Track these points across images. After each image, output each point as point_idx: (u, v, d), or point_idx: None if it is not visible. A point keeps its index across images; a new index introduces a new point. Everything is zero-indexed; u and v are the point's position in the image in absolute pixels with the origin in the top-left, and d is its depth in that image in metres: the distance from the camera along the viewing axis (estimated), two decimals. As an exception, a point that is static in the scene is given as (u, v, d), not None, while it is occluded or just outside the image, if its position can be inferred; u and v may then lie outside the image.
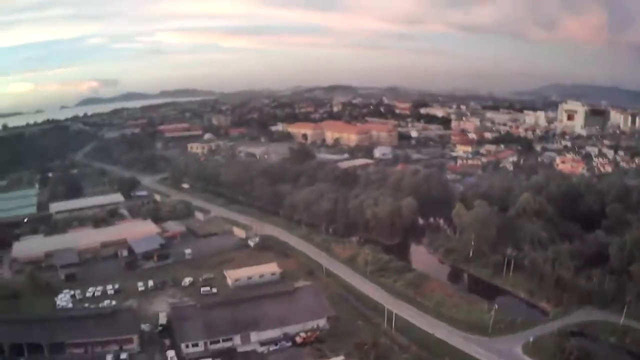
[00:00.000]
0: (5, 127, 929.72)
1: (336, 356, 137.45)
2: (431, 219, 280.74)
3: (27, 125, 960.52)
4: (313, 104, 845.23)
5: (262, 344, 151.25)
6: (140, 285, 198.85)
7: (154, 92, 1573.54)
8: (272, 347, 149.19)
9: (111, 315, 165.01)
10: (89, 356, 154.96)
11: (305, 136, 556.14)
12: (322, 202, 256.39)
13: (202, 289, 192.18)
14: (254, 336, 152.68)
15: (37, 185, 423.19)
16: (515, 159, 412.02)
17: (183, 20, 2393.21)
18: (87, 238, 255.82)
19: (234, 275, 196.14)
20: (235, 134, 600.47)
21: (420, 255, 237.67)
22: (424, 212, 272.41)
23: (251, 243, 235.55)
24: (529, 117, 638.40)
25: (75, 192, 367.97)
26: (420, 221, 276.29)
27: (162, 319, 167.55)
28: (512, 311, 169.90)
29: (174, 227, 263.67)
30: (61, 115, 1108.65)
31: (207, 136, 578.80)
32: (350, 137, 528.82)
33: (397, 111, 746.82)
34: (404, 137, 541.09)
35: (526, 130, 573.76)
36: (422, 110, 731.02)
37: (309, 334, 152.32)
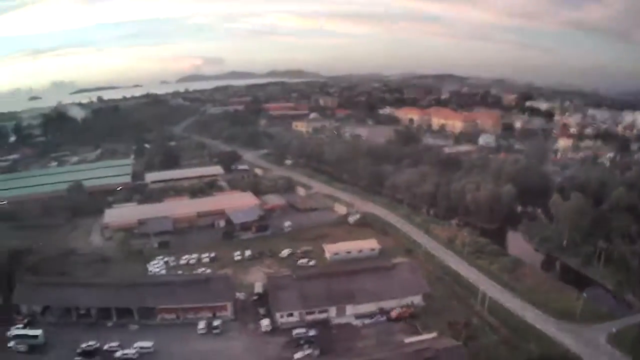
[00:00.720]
0: (100, 99, 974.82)
1: (429, 333, 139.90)
2: (529, 207, 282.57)
3: (124, 98, 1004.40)
4: (422, 91, 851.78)
5: (357, 317, 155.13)
6: (237, 255, 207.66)
7: (262, 72, 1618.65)
8: (367, 321, 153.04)
9: (205, 282, 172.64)
10: (180, 322, 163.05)
11: (411, 120, 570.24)
12: (424, 184, 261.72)
13: (300, 261, 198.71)
14: (350, 309, 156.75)
15: (132, 156, 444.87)
16: (612, 155, 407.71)
17: (294, 3, 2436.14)
18: (183, 207, 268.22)
19: (333, 249, 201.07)
20: (341, 115, 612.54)
21: (516, 242, 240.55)
22: (522, 200, 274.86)
23: (351, 219, 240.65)
24: (628, 117, 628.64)
25: (172, 163, 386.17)
26: (518, 209, 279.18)
27: (258, 288, 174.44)
28: (599, 301, 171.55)
29: (275, 200, 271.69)
30: (161, 91, 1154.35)
31: (312, 115, 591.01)
32: (456, 124, 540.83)
33: (504, 102, 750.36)
34: (507, 128, 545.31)
35: (624, 128, 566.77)
36: (527, 103, 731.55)
37: (403, 309, 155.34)
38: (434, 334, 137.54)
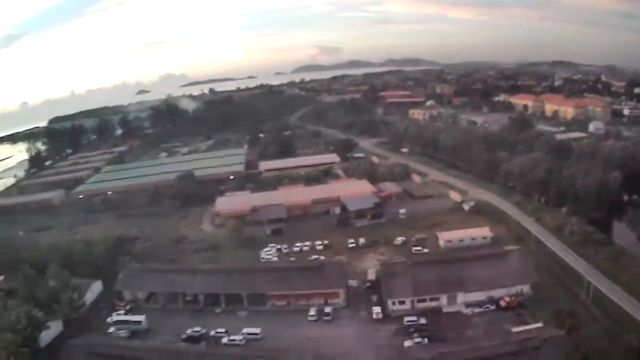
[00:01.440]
0: (212, 91, 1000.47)
1: (536, 322, 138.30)
2: (635, 196, 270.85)
3: (238, 89, 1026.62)
4: (536, 78, 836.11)
5: (467, 305, 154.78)
6: (351, 242, 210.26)
7: (378, 61, 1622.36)
8: (477, 309, 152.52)
9: (318, 268, 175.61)
10: (291, 308, 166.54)
11: (525, 107, 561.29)
12: (536, 171, 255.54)
13: (414, 248, 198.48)
14: (460, 297, 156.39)
15: (245, 146, 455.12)
16: None
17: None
18: (297, 195, 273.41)
19: (446, 237, 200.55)
20: (457, 103, 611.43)
21: (621, 231, 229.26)
22: (629, 188, 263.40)
23: (466, 207, 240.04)
24: None
25: (287, 152, 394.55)
26: (625, 197, 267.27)
27: (371, 275, 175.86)
28: None
29: (390, 187, 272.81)
30: (276, 81, 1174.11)
31: (429, 103, 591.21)
32: (568, 110, 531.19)
33: (613, 89, 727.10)
34: (617, 114, 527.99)
35: None
36: (636, 90, 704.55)
37: (512, 298, 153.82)
38: (539, 324, 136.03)
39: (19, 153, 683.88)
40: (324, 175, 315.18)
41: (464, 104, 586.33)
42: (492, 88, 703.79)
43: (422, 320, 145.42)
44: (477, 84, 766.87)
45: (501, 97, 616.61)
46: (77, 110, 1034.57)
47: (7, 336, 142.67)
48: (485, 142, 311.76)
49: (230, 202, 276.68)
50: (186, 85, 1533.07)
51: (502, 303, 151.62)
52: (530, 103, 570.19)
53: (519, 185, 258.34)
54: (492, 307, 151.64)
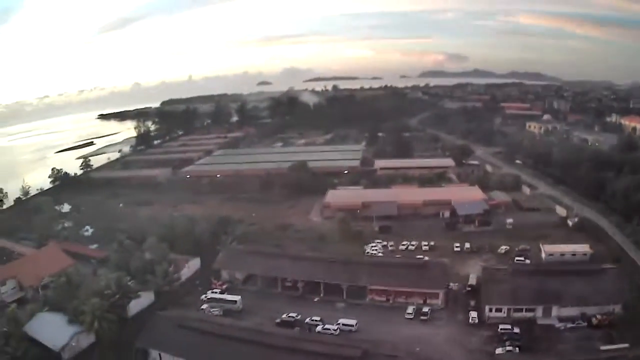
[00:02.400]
0: (335, 87, 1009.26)
1: (622, 343, 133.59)
2: None
3: (361, 89, 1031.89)
4: None
5: (560, 319, 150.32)
6: (456, 246, 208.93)
7: (502, 72, 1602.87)
8: (569, 325, 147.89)
9: (421, 267, 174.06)
10: (389, 305, 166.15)
11: (634, 129, 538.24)
12: (637, 193, 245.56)
13: (516, 258, 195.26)
14: (555, 310, 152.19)
15: (363, 143, 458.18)
16: None
17: (544, 3, 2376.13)
18: (409, 195, 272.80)
19: (549, 250, 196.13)
20: (571, 120, 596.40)
21: None
22: None
23: (570, 222, 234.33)
24: None
25: (404, 153, 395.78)
26: None
27: (472, 280, 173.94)
28: None
29: (500, 196, 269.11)
30: (400, 84, 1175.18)
31: (545, 117, 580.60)
32: None
33: None
34: None
35: None
36: None
37: (604, 317, 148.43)
38: (626, 344, 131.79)
39: (126, 130, 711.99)
40: (437, 178, 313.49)
41: (578, 121, 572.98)
42: (605, 108, 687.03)
43: (516, 330, 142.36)
44: (592, 103, 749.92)
45: (613, 118, 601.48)
46: (194, 95, 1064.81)
47: (93, 300, 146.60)
48: (594, 160, 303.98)
49: (342, 196, 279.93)
50: (309, 80, 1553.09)
51: (594, 320, 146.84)
52: (638, 125, 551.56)
53: (621, 207, 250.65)
54: (584, 324, 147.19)
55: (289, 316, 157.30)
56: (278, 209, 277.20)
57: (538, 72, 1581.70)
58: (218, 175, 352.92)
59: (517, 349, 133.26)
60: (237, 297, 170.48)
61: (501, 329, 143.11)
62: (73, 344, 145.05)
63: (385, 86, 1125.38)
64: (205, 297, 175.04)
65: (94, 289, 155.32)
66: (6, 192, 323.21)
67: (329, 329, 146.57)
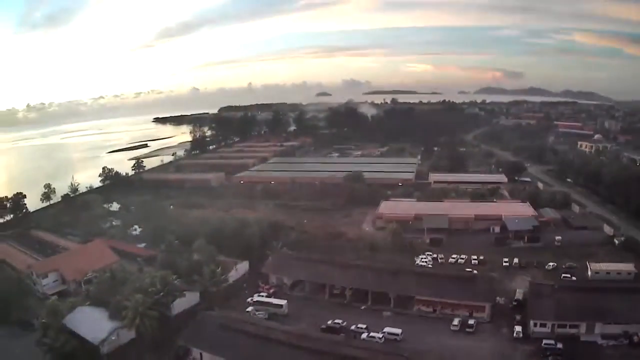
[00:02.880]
0: (394, 100, 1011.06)
1: None
2: None
3: (420, 102, 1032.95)
4: None
5: (603, 337, 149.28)
6: (505, 261, 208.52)
7: (556, 90, 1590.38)
8: (611, 342, 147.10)
9: (469, 280, 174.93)
10: (435, 316, 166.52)
11: None
12: None
13: (563, 275, 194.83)
14: (598, 327, 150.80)
15: (418, 156, 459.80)
16: None
17: (600, 22, 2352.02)
18: (461, 209, 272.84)
19: (595, 268, 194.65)
20: (622, 140, 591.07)
21: None
22: None
23: (616, 241, 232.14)
24: None
25: (458, 167, 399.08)
26: None
27: (519, 295, 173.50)
28: None
29: (550, 214, 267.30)
30: (458, 100, 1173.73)
31: (597, 137, 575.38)
32: None
33: None
34: None
35: None
36: None
37: None
38: None
39: (181, 135, 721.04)
40: (490, 194, 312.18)
41: (628, 142, 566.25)
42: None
43: (559, 345, 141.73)
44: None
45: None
46: (252, 103, 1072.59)
47: (137, 296, 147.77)
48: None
49: (395, 207, 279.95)
50: (369, 93, 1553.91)
51: (636, 338, 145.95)
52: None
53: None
54: (626, 342, 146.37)
55: (335, 322, 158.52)
56: (331, 217, 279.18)
57: (591, 91, 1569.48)
58: (272, 182, 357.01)
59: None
60: (283, 302, 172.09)
61: (545, 344, 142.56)
62: (113, 338, 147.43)
63: (444, 101, 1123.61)
64: (251, 300, 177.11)
65: (138, 286, 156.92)
66: (54, 188, 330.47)
67: (374, 337, 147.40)
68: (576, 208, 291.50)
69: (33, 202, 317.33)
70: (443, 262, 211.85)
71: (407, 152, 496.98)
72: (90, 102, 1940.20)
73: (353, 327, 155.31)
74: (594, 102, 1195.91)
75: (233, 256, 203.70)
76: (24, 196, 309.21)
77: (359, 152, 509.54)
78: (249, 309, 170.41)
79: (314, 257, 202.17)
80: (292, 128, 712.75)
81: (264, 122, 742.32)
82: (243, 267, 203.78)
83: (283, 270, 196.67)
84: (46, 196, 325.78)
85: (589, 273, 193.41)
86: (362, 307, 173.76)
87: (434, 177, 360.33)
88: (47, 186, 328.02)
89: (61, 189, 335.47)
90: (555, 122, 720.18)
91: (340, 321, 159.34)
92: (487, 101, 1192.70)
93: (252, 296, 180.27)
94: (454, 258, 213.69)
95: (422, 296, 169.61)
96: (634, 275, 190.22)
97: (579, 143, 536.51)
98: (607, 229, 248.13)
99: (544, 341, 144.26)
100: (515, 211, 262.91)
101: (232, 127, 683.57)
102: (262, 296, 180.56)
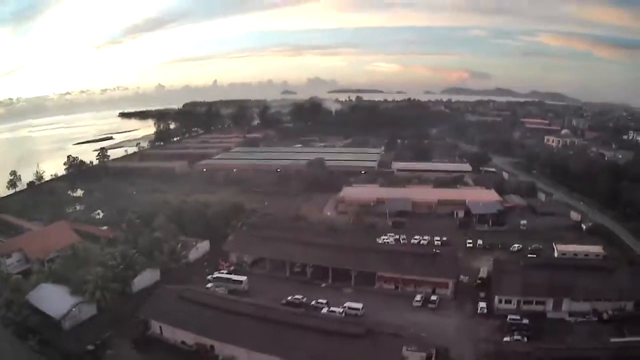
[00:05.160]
0: (359, 98, 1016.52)
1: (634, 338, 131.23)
2: None
3: (385, 101, 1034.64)
4: None
5: (571, 314, 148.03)
6: (469, 242, 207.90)
7: (523, 92, 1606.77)
8: (580, 319, 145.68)
9: (432, 257, 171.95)
10: (398, 293, 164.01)
11: None
12: None
13: (529, 255, 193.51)
14: (566, 305, 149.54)
15: (382, 147, 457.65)
16: None
17: (563, 23, 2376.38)
18: (424, 194, 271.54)
19: (562, 249, 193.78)
20: (589, 136, 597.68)
21: None
22: None
23: (584, 226, 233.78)
24: None
25: (422, 158, 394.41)
26: None
27: (483, 273, 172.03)
28: None
29: (515, 200, 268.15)
30: (423, 99, 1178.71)
31: (564, 132, 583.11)
32: None
33: None
34: None
35: None
36: None
37: (615, 312, 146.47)
38: (638, 338, 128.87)
39: (147, 128, 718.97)
40: (454, 182, 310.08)
41: (596, 138, 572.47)
42: (622, 127, 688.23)
43: (525, 321, 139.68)
44: (610, 122, 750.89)
45: (630, 136, 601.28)
46: (217, 99, 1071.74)
47: (97, 269, 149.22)
48: (610, 171, 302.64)
49: (357, 192, 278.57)
50: (334, 91, 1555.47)
51: (605, 316, 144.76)
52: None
53: (636, 214, 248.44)
54: (595, 319, 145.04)
55: (295, 298, 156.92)
56: (292, 202, 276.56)
57: (558, 92, 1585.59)
58: (234, 170, 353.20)
59: (525, 338, 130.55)
60: (243, 278, 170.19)
61: (510, 319, 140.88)
62: (74, 313, 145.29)
63: (409, 99, 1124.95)
64: (212, 277, 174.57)
65: (99, 260, 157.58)
66: (19, 175, 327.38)
67: (335, 312, 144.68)
68: (542, 196, 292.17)
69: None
70: (405, 243, 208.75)
71: (370, 145, 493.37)
72: (57, 97, 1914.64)
73: (313, 303, 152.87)
74: (562, 103, 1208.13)
75: (194, 236, 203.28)
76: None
77: (322, 144, 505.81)
78: (209, 285, 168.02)
79: (274, 235, 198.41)
80: (256, 122, 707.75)
81: (228, 117, 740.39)
82: (204, 246, 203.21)
83: (243, 248, 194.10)
84: (12, 183, 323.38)
85: (556, 254, 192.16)
86: (323, 285, 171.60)
87: (397, 165, 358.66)
88: (13, 173, 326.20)
89: (27, 178, 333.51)
90: (522, 120, 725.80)
91: (300, 297, 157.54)
92: (453, 100, 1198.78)
93: (213, 274, 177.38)
94: (416, 239, 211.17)
95: (384, 272, 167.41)
96: (602, 257, 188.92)
97: (546, 138, 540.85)
98: (575, 215, 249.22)
99: (509, 316, 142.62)
100: (480, 196, 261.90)
101: (196, 121, 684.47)
102: (223, 273, 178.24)
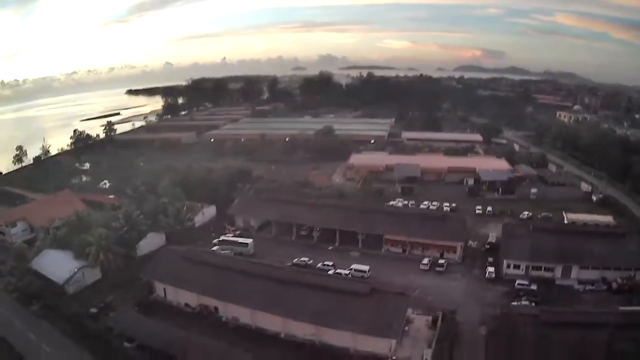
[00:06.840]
0: (370, 74, 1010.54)
1: None
2: None
3: (396, 76, 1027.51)
4: None
5: (580, 282, 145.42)
6: (478, 209, 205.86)
7: (537, 70, 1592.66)
8: (588, 287, 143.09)
9: (441, 220, 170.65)
10: (405, 256, 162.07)
11: None
12: None
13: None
14: (574, 272, 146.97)
15: (392, 119, 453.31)
16: None
17: (580, 3, 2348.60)
18: (434, 161, 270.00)
19: (572, 217, 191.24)
20: (602, 114, 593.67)
21: None
22: None
23: (594, 198, 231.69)
24: None
25: (432, 129, 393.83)
26: None
27: (491, 239, 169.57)
28: None
29: (526, 170, 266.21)
30: (435, 75, 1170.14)
31: (576, 107, 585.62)
32: None
33: None
34: None
35: None
36: None
37: (624, 281, 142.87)
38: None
39: (155, 104, 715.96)
40: (464, 151, 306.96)
41: (607, 116, 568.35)
42: (635, 107, 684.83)
43: (533, 287, 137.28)
44: (622, 102, 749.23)
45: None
46: (227, 75, 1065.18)
47: (100, 230, 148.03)
48: (620, 146, 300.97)
49: (366, 159, 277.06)
50: (345, 68, 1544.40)
51: (614, 285, 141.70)
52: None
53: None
54: (604, 287, 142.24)
55: (301, 260, 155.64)
56: (300, 169, 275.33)
57: (572, 72, 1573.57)
58: (242, 139, 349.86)
59: (533, 304, 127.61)
60: (249, 240, 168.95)
61: (518, 284, 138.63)
62: (78, 277, 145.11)
63: (421, 75, 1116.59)
64: (217, 240, 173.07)
65: (102, 222, 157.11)
66: (25, 150, 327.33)
67: (341, 273, 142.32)
68: (553, 168, 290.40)
69: (5, 166, 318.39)
70: (413, 208, 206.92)
71: (380, 116, 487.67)
72: (64, 77, 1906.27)
73: (320, 265, 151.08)
74: (575, 83, 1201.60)
75: (201, 201, 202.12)
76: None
77: (332, 116, 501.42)
78: (214, 248, 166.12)
79: (281, 198, 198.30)
80: (266, 96, 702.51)
81: (237, 91, 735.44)
82: (210, 211, 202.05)
83: (250, 211, 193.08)
84: (18, 158, 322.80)
85: (565, 222, 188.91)
86: (330, 248, 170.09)
87: (406, 134, 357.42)
88: (19, 148, 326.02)
89: (34, 154, 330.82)
90: (534, 96, 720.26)
91: (306, 259, 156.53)
92: (466, 77, 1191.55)
93: (219, 238, 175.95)
94: (425, 205, 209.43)
95: (391, 235, 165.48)
96: (612, 226, 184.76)
97: (558, 113, 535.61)
98: (585, 187, 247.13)
99: (517, 282, 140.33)
100: (490, 165, 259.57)
101: (205, 95, 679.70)
102: (228, 237, 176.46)
